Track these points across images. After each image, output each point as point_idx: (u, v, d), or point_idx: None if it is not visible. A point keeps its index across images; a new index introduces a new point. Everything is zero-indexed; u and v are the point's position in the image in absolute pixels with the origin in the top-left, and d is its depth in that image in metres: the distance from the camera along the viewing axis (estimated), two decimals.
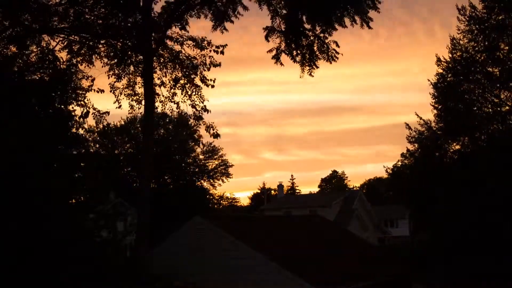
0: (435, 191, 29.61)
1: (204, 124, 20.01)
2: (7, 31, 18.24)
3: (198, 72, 19.77)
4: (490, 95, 30.76)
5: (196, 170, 59.79)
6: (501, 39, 29.72)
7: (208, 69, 19.72)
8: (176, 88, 20.08)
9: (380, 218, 62.57)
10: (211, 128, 19.86)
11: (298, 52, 19.07)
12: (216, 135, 19.97)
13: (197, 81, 19.91)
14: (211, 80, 19.79)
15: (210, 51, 19.50)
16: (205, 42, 19.51)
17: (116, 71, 20.04)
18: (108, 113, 20.12)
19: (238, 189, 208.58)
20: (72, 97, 19.37)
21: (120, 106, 20.19)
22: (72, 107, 19.58)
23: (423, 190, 30.97)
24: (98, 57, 19.85)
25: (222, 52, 19.40)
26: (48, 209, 15.08)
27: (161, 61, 20.18)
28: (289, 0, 18.48)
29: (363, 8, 17.83)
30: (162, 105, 20.43)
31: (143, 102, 19.53)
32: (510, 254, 25.33)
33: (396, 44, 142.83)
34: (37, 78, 18.95)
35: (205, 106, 19.94)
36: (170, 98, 20.19)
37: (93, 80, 19.66)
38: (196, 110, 19.88)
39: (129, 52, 20.14)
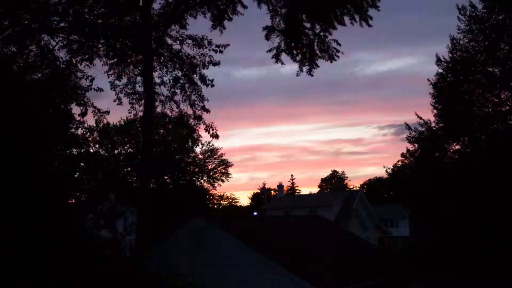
0: (435, 191, 29.56)
1: (203, 124, 19.97)
2: (7, 31, 18.21)
3: (198, 71, 19.76)
4: (490, 95, 30.71)
5: (196, 170, 59.76)
6: (501, 39, 29.69)
7: (207, 67, 19.70)
8: (176, 88, 20.07)
9: (380, 218, 62.54)
10: (211, 128, 19.82)
11: (298, 51, 19.04)
12: (216, 136, 19.90)
13: (197, 80, 19.90)
14: (209, 80, 19.79)
15: (210, 50, 19.49)
16: (205, 41, 19.50)
17: (116, 70, 20.05)
18: (108, 112, 20.11)
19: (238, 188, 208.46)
20: (72, 96, 19.34)
21: (121, 103, 20.20)
22: (72, 107, 19.59)
23: (423, 190, 30.90)
24: (97, 57, 19.84)
25: (221, 51, 19.38)
26: (47, 209, 15.07)
27: (161, 60, 20.16)
28: None
29: (362, 6, 17.81)
30: (162, 104, 20.43)
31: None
32: (510, 255, 25.29)
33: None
34: (37, 78, 18.92)
35: (204, 105, 19.91)
36: (171, 97, 20.18)
37: (92, 80, 19.63)
38: (196, 109, 19.86)
39: (129, 52, 20.12)
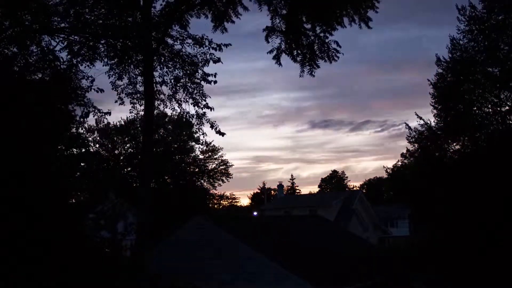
0: (435, 191, 29.56)
1: (207, 122, 19.99)
2: (7, 31, 18.22)
3: (199, 70, 19.81)
4: (490, 95, 30.70)
5: (196, 170, 59.75)
6: (501, 39, 29.70)
7: (207, 65, 19.73)
8: (177, 87, 20.10)
9: (380, 218, 62.60)
10: (215, 125, 19.83)
11: (299, 52, 19.06)
12: (221, 133, 19.89)
13: (198, 79, 19.95)
14: (212, 75, 19.80)
15: (209, 48, 19.52)
16: (206, 41, 19.53)
17: (117, 71, 20.08)
18: (109, 113, 20.13)
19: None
20: (72, 97, 19.36)
21: (122, 103, 20.25)
22: (72, 107, 19.61)
23: (423, 190, 30.90)
24: (98, 57, 19.87)
25: (221, 49, 19.40)
26: (47, 209, 15.08)
27: (162, 60, 20.20)
28: (289, 0, 18.49)
29: (362, 8, 17.86)
30: (163, 104, 20.47)
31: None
32: (510, 255, 25.29)
33: None
34: (37, 78, 18.93)
35: (207, 103, 19.94)
36: (172, 96, 20.21)
37: (92, 81, 19.65)
38: (198, 107, 19.90)
39: (130, 52, 20.15)
